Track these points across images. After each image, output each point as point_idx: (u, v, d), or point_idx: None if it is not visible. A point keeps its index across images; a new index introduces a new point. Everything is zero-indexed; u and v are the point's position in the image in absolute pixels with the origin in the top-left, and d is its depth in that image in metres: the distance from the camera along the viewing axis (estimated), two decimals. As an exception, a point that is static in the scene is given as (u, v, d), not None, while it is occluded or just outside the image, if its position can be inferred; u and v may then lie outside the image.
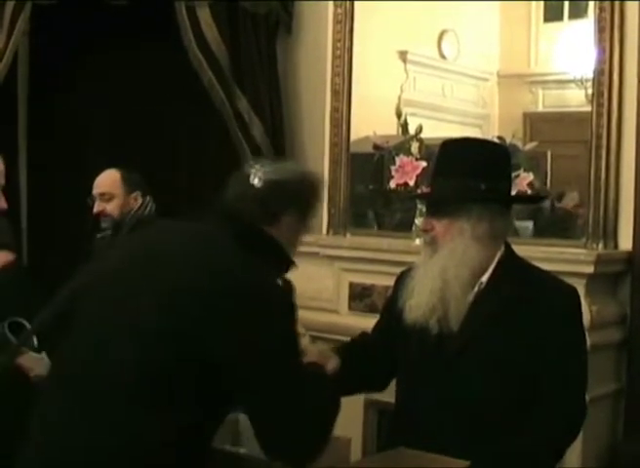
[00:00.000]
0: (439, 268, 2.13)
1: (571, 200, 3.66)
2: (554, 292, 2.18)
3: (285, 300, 1.78)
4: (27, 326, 2.48)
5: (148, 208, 3.52)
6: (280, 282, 1.79)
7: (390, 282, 2.49)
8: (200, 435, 1.78)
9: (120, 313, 1.77)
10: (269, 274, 1.77)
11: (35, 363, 2.83)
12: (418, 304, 2.15)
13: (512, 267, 2.19)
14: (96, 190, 3.51)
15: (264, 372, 1.72)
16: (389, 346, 2.32)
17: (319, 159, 4.14)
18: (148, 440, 1.68)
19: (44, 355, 2.92)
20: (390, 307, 2.34)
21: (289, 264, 1.89)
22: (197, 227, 1.88)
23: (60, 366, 1.86)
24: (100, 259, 2.00)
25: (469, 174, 2.14)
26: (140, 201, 3.51)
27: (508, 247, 2.22)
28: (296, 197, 1.91)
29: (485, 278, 2.16)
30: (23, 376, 2.77)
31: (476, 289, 2.16)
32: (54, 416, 1.75)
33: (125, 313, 1.76)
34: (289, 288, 1.82)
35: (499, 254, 2.18)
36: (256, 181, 1.86)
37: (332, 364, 2.17)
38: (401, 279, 2.32)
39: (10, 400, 2.62)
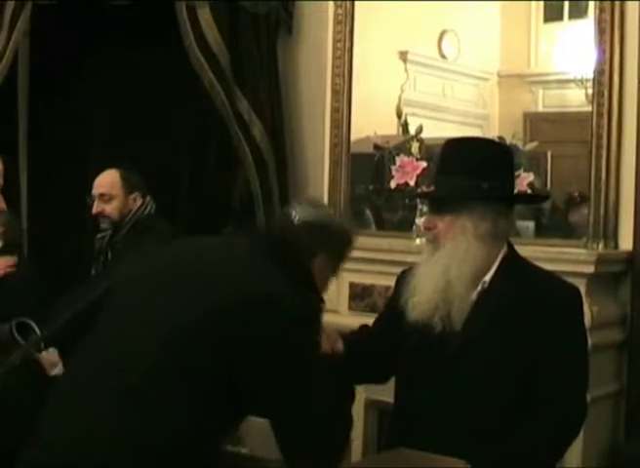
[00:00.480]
0: (442, 267, 2.13)
1: (581, 216, 3.65)
2: (557, 291, 2.18)
3: (313, 316, 1.86)
4: (34, 326, 2.50)
5: (148, 208, 3.52)
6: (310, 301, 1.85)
7: (390, 282, 2.49)
8: (214, 439, 1.79)
9: (146, 319, 1.80)
10: (301, 293, 1.82)
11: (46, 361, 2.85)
12: (420, 302, 2.15)
13: (515, 267, 2.20)
14: (95, 190, 3.50)
15: (290, 383, 1.77)
16: (390, 340, 2.32)
17: (319, 159, 4.14)
18: (161, 443, 1.69)
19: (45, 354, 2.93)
20: (392, 305, 2.35)
21: (318, 298, 1.97)
22: (238, 244, 1.92)
23: (80, 366, 1.87)
24: (131, 264, 2.02)
25: (472, 172, 2.14)
26: (139, 202, 3.50)
27: (511, 246, 2.22)
28: (331, 242, 2.02)
29: (488, 277, 2.16)
30: (38, 375, 2.79)
31: (479, 288, 2.16)
32: (68, 416, 1.76)
33: (152, 318, 1.79)
34: (318, 307, 1.92)
35: (501, 254, 2.19)
36: (296, 219, 1.98)
37: (339, 346, 2.20)
38: (403, 277, 2.32)
39: (21, 397, 2.63)
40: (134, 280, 1.92)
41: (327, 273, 2.04)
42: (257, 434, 2.01)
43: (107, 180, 3.50)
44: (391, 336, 2.31)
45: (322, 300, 1.99)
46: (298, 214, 1.98)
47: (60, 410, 1.78)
